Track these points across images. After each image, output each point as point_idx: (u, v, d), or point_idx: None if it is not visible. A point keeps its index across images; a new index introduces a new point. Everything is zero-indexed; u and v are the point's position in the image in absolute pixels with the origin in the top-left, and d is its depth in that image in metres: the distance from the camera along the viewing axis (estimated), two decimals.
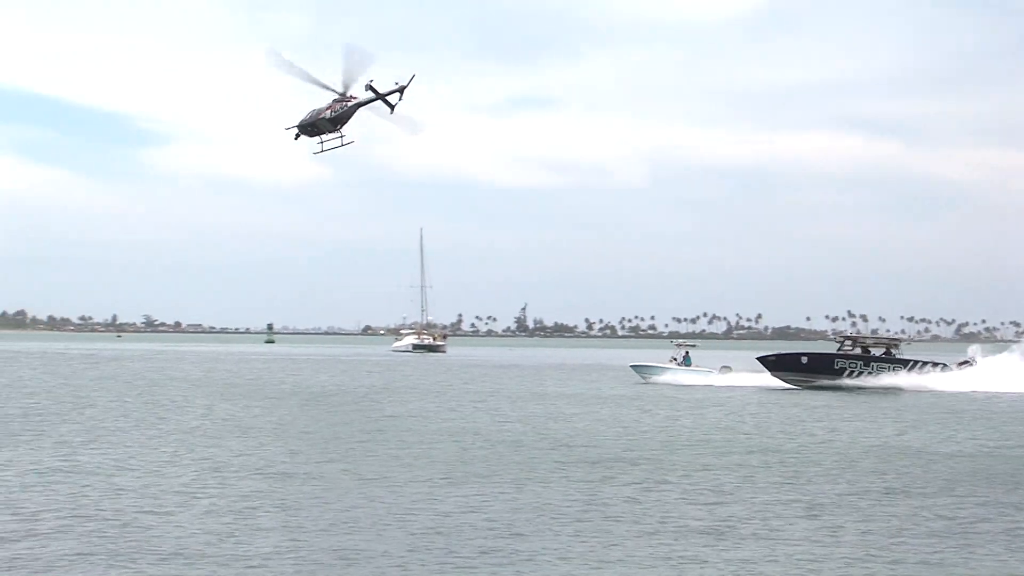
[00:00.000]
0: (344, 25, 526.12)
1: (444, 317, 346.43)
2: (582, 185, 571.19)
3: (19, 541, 19.50)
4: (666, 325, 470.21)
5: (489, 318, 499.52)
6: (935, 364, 76.06)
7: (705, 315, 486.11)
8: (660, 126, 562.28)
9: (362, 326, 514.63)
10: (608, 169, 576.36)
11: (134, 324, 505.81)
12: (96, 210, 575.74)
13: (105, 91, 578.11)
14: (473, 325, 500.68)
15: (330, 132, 50.88)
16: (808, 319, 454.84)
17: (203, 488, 25.15)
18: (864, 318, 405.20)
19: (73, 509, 22.47)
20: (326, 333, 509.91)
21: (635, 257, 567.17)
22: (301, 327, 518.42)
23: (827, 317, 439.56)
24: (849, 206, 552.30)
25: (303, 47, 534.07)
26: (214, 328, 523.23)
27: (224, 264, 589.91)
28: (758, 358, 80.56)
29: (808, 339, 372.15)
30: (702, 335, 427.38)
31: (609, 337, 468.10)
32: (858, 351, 78.65)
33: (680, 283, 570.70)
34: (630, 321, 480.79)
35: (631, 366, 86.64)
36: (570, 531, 21.04)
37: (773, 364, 79.67)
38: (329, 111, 50.55)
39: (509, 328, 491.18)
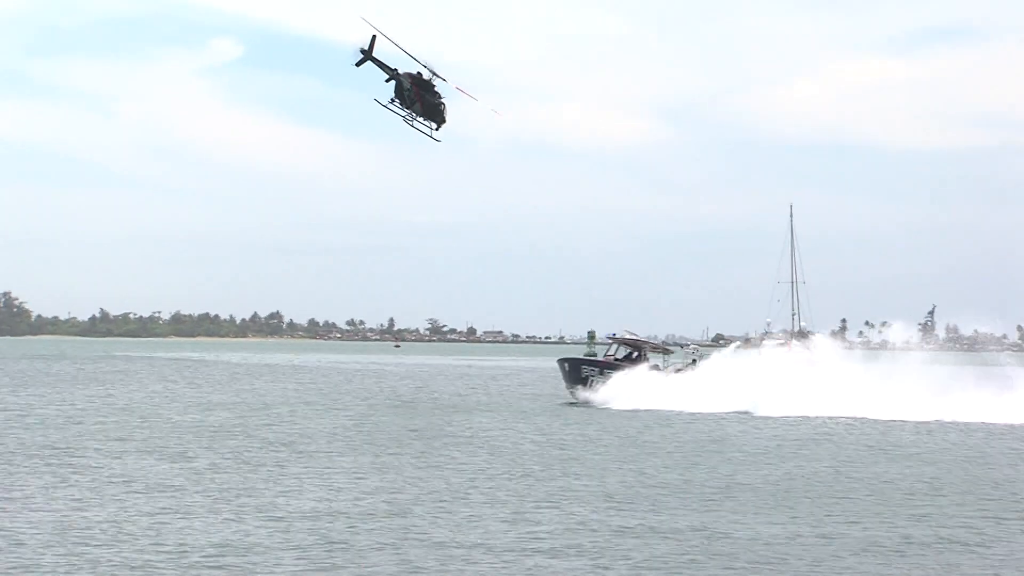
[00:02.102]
0: None
1: (822, 323, 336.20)
2: (1016, 145, 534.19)
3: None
4: None
5: (883, 324, 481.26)
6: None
7: None
8: None
9: (711, 334, 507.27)
10: None
11: (416, 330, 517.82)
12: (371, 184, 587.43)
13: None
14: (861, 333, 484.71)
15: (411, 108, 63.15)
16: None
17: None
18: None
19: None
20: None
21: None
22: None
23: None
24: None
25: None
26: (517, 336, 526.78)
27: (531, 252, 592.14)
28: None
29: None
30: None
31: None
32: (622, 355, 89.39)
33: None
34: None
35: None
36: None
37: (562, 373, 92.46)
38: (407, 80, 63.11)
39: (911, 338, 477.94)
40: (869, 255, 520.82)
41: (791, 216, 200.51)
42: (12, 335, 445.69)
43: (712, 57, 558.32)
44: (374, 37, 60.99)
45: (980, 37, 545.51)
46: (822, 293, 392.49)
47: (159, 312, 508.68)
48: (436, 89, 62.69)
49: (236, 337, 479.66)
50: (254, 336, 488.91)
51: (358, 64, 61.54)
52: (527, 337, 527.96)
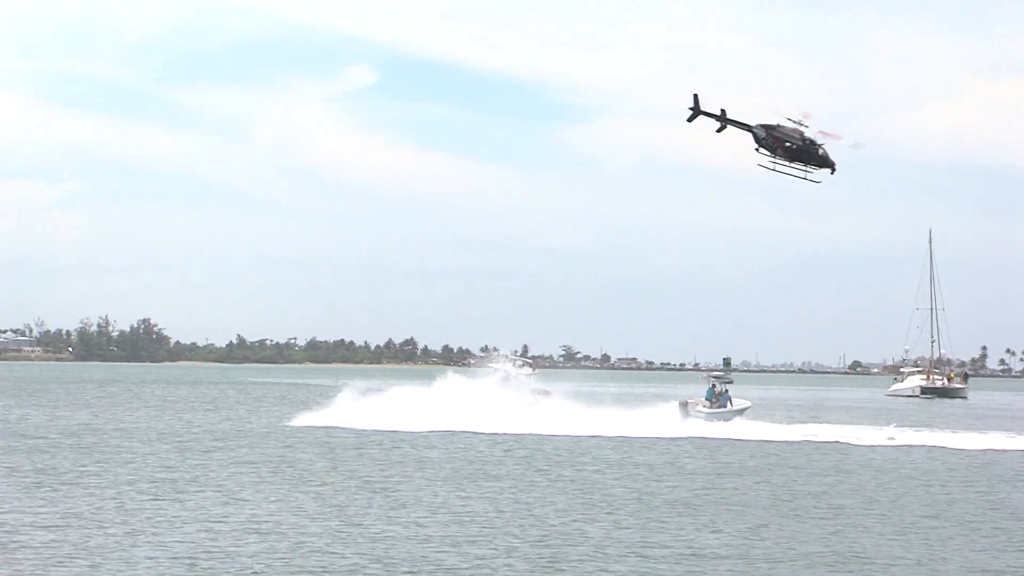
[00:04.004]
0: None
1: (963, 351, 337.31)
2: None
3: None
4: None
5: None
6: None
7: None
8: None
9: (848, 361, 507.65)
10: None
11: (550, 357, 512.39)
12: (504, 208, 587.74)
13: (511, 54, 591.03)
14: (1003, 362, 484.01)
15: (773, 153, 70.12)
16: None
17: None
18: None
19: None
20: (800, 371, 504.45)
21: None
22: (767, 363, 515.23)
23: None
24: None
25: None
26: (652, 363, 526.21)
27: (665, 276, 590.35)
28: None
29: None
30: None
31: None
32: None
33: None
34: None
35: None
36: None
37: None
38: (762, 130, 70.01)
39: None
40: (1009, 281, 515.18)
41: (930, 241, 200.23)
42: (151, 361, 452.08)
43: (846, 78, 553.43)
44: (696, 95, 68.13)
45: None
46: (962, 320, 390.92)
47: (295, 338, 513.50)
48: (806, 136, 69.54)
49: (371, 363, 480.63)
50: (388, 363, 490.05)
51: (689, 120, 69.09)
52: (661, 364, 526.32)
